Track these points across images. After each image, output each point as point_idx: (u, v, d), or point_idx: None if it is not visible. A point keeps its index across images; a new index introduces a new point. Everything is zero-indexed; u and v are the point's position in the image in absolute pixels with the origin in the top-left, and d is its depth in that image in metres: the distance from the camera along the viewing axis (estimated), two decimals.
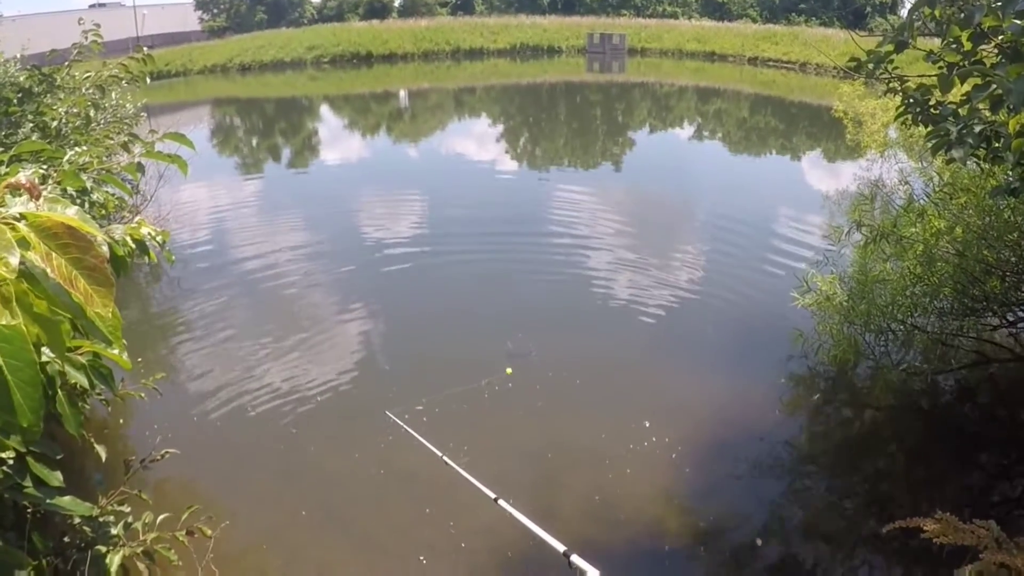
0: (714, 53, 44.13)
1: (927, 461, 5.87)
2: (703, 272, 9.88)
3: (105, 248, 2.87)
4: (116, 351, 2.75)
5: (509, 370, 6.52)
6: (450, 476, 5.34)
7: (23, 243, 1.18)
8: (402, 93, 34.90)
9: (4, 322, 1.06)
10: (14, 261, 1.08)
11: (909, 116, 4.12)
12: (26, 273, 1.23)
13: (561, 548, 2.51)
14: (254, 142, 23.60)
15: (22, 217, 1.21)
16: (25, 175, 1.21)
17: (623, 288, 9.25)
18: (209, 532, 3.82)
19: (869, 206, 7.16)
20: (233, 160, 20.04)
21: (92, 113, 6.21)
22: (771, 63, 39.93)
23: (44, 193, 1.32)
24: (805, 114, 26.75)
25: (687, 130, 24.95)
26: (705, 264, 10.24)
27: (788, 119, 26.18)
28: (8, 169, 2.77)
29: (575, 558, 2.43)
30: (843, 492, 5.64)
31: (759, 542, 4.95)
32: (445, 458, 3.61)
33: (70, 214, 1.27)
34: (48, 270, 1.17)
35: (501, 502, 3.01)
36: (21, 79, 5.74)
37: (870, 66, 3.97)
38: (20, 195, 1.23)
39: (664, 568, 4.82)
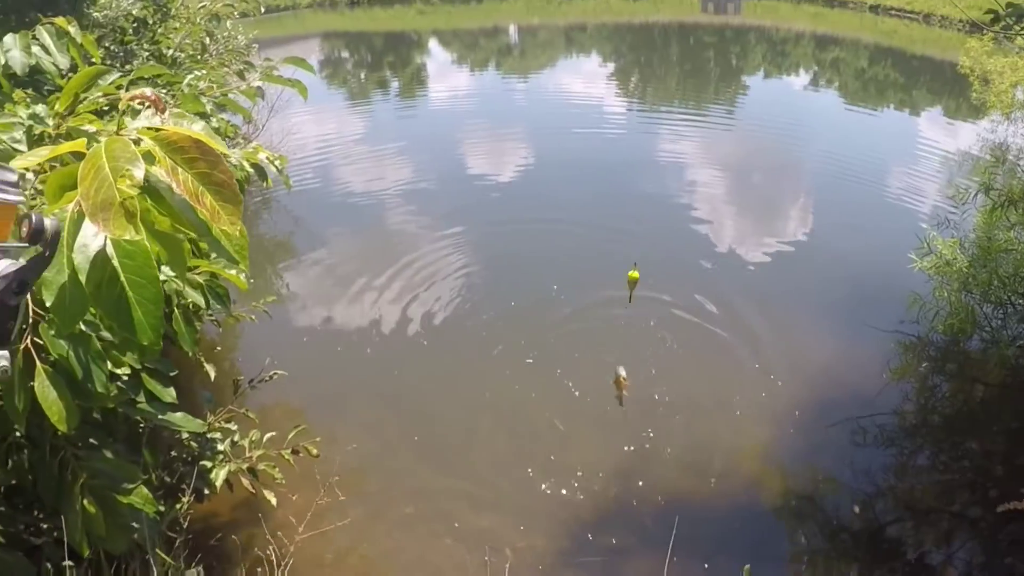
0: None
1: None
2: (815, 223, 9.48)
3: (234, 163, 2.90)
4: (234, 272, 2.78)
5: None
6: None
7: (148, 157, 1.15)
8: (512, 29, 34.41)
9: (128, 238, 1.03)
10: (139, 174, 1.05)
11: None
12: (149, 189, 1.20)
13: None
14: (362, 76, 23.77)
15: (147, 131, 1.18)
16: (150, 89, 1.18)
17: (731, 235, 9.06)
18: (315, 451, 3.91)
19: (997, 168, 6.64)
20: (342, 93, 20.24)
21: (206, 42, 6.31)
22: (893, 12, 37.09)
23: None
24: (927, 68, 24.87)
25: (803, 78, 23.67)
26: (817, 215, 9.82)
27: (909, 72, 24.41)
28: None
29: None
30: (946, 469, 5.45)
31: (857, 509, 4.81)
32: None
33: (196, 129, 1.23)
34: (174, 185, 1.13)
35: None
36: (135, 11, 5.83)
37: (1010, 19, 3.58)
38: (145, 108, 1.20)
39: (757, 525, 4.77)
